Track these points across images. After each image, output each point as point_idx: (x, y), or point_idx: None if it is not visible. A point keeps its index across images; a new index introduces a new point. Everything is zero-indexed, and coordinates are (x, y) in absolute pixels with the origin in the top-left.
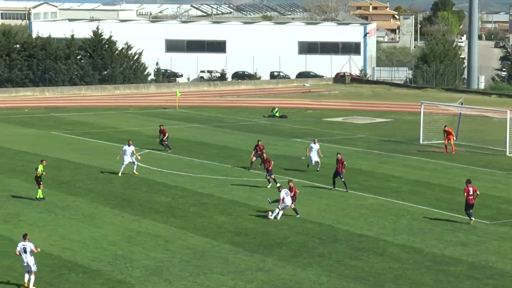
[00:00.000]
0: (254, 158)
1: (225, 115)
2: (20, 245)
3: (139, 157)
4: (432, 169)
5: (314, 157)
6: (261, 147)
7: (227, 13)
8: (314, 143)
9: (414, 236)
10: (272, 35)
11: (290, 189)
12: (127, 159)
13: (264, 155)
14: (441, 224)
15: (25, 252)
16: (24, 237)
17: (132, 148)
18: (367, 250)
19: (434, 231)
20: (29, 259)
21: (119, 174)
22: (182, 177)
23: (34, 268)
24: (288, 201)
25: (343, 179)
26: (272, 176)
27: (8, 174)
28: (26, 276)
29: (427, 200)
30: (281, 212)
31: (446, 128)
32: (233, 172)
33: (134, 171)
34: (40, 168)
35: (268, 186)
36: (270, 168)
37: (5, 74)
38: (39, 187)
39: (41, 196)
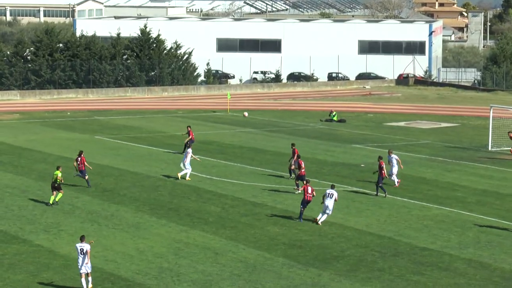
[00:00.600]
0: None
1: (280, 119)
2: (77, 247)
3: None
4: (501, 178)
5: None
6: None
7: (283, 10)
8: (390, 154)
9: (481, 250)
10: (330, 33)
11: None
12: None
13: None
14: (511, 237)
15: (82, 253)
16: (82, 239)
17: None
18: (430, 265)
19: (503, 245)
20: (86, 260)
21: (187, 178)
22: (233, 185)
23: (89, 269)
24: (328, 203)
25: (380, 184)
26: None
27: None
28: (83, 281)
29: (496, 211)
30: (324, 216)
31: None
32: (288, 180)
33: (187, 177)
34: (57, 173)
35: (297, 192)
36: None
37: (47, 75)
38: (53, 193)
39: (56, 201)
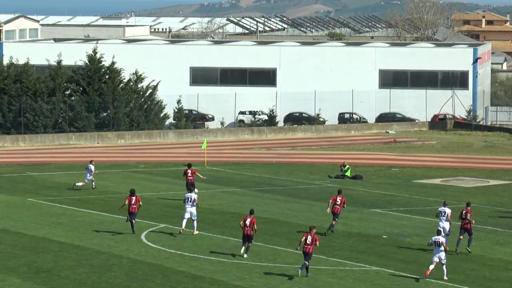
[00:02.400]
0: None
1: (275, 175)
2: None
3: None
4: None
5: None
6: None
7: (279, 29)
8: (445, 206)
9: None
10: (342, 61)
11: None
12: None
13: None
14: None
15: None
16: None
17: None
18: None
19: None
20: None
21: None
22: (212, 264)
23: None
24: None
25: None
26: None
27: None
28: None
29: None
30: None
31: None
32: (286, 256)
33: (195, 231)
34: None
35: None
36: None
37: None
38: None
39: None
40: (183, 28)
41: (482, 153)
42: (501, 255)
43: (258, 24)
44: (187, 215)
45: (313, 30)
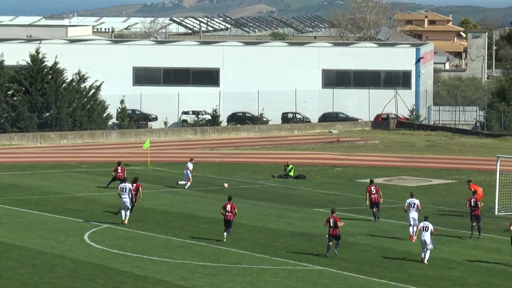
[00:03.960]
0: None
1: (218, 174)
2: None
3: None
4: None
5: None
6: None
7: (222, 29)
8: (412, 197)
9: None
10: (285, 61)
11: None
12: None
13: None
14: None
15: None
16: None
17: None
18: None
19: None
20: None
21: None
22: (155, 264)
23: None
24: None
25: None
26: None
27: None
28: None
29: None
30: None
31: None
32: (229, 256)
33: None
34: None
35: None
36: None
37: None
38: None
39: None
40: (126, 28)
41: (425, 152)
42: (444, 254)
43: (201, 24)
44: (123, 205)
45: (256, 30)
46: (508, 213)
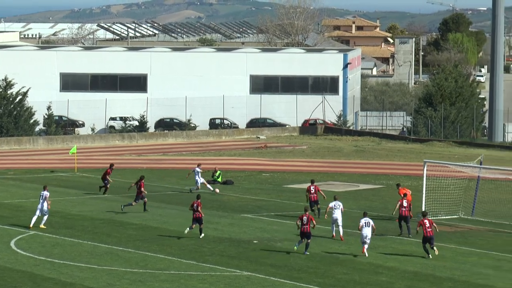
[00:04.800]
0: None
1: (146, 180)
2: None
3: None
4: (439, 256)
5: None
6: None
7: (150, 35)
8: (336, 199)
9: None
10: (213, 66)
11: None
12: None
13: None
14: None
15: None
16: None
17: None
18: None
19: None
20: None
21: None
22: (82, 271)
23: None
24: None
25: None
26: None
27: None
28: None
29: None
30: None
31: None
32: (156, 262)
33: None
34: None
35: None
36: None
37: None
38: None
39: None
40: (53, 34)
41: (352, 157)
42: (371, 258)
43: (129, 30)
44: (38, 212)
45: (184, 36)
46: (435, 218)
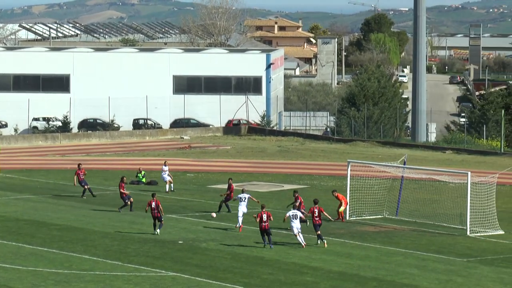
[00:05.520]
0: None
1: (70, 181)
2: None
3: None
4: (363, 256)
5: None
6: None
7: (72, 35)
8: (243, 192)
9: None
10: (136, 66)
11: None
12: None
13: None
14: None
15: None
16: None
17: None
18: None
19: None
20: None
21: None
22: (6, 271)
23: None
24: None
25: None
26: None
27: None
28: None
29: None
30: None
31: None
32: (81, 263)
33: None
34: None
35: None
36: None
37: None
38: None
39: None
40: None
41: (276, 157)
42: (295, 259)
43: (51, 30)
44: None
45: (107, 36)
46: (358, 218)
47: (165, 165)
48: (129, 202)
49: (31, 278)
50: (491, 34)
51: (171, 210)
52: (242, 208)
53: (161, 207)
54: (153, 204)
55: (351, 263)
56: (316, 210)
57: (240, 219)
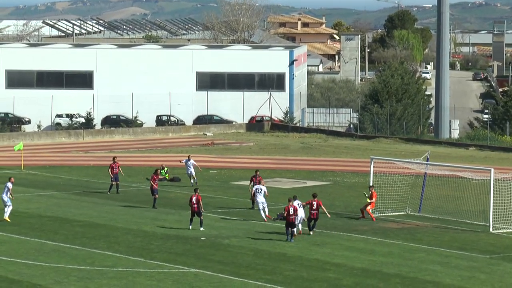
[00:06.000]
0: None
1: (93, 178)
2: None
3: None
4: (386, 252)
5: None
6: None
7: (95, 32)
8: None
9: None
10: (159, 63)
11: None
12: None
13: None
14: None
15: None
16: None
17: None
18: None
19: None
20: None
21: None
22: (29, 268)
23: None
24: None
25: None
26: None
27: None
28: None
29: None
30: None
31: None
32: (104, 259)
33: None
34: None
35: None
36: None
37: None
38: None
39: None
40: None
41: (299, 154)
42: (318, 255)
43: (74, 26)
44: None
45: (130, 32)
46: (382, 215)
47: (189, 159)
48: (153, 198)
49: (53, 274)
50: None
51: None
52: (260, 199)
53: (201, 203)
54: (194, 198)
55: (374, 260)
56: (315, 203)
57: (262, 212)
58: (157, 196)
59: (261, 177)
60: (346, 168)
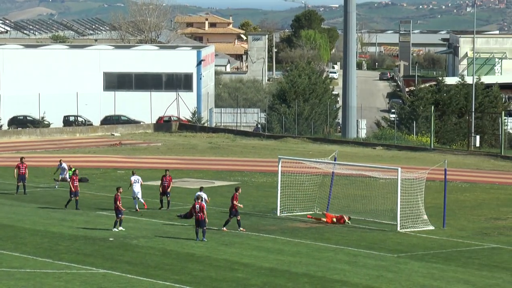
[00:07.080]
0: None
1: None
2: None
3: None
4: (294, 252)
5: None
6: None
7: (2, 32)
8: (133, 174)
9: None
10: (66, 63)
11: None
12: None
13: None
14: None
15: None
16: None
17: None
18: None
19: None
20: None
21: None
22: None
23: None
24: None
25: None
26: None
27: None
28: None
29: None
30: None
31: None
32: (11, 260)
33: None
34: None
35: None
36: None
37: None
38: None
39: None
40: None
41: (207, 154)
42: (227, 255)
43: None
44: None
45: (37, 33)
46: (289, 214)
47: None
48: (75, 199)
49: None
50: (421, 30)
51: (101, 207)
52: (136, 188)
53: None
54: (197, 207)
55: (282, 259)
56: (197, 206)
57: (135, 201)
58: (76, 198)
59: (171, 177)
60: (254, 168)
